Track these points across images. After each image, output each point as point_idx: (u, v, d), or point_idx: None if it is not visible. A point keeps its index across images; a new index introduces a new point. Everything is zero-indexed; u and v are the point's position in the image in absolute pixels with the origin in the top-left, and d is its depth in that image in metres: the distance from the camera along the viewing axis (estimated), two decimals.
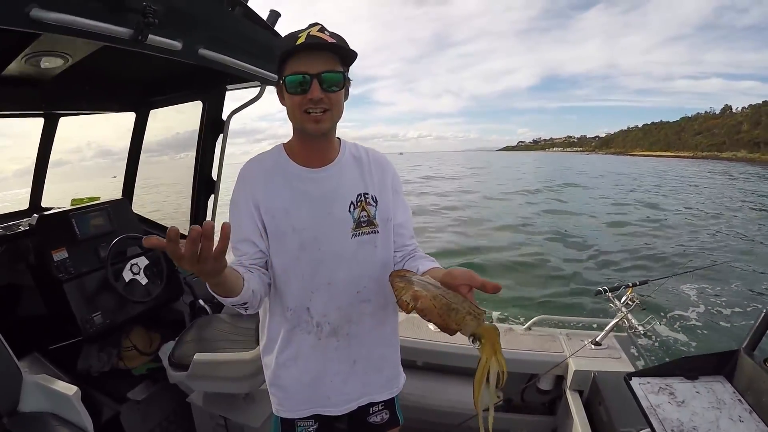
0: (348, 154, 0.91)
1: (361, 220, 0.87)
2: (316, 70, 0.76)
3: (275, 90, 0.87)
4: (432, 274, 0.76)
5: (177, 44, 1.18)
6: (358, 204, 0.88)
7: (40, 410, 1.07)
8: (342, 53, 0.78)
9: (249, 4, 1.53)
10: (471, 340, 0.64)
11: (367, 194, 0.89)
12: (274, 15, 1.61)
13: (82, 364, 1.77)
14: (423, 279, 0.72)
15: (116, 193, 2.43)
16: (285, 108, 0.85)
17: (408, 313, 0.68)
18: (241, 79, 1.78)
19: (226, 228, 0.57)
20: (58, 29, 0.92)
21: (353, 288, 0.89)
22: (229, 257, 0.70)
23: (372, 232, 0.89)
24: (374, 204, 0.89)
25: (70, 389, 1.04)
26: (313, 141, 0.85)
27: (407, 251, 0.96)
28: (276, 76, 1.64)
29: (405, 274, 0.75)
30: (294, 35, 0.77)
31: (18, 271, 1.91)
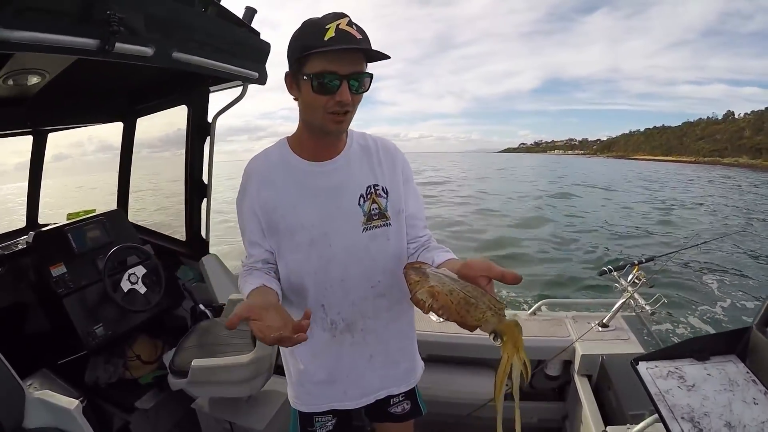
0: (355, 144, 0.87)
1: (372, 212, 0.84)
2: (346, 71, 0.70)
3: (284, 82, 0.79)
4: (448, 266, 0.72)
5: (148, 50, 1.16)
6: (368, 196, 0.84)
7: (44, 425, 1.08)
8: (371, 54, 0.72)
9: (249, 4, 1.49)
10: (492, 337, 0.61)
11: (377, 186, 0.85)
12: (250, 12, 1.57)
13: (89, 376, 1.79)
14: (439, 272, 0.68)
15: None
16: (284, 104, 0.81)
17: (426, 313, 0.64)
18: (223, 80, 1.75)
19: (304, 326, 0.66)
20: (24, 47, 0.92)
21: (367, 283, 0.86)
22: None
23: (384, 225, 0.85)
24: (385, 195, 0.86)
25: (71, 403, 1.05)
26: (325, 136, 0.81)
27: (421, 242, 0.92)
28: (256, 74, 1.62)
29: (420, 266, 0.71)
30: (320, 25, 0.68)
31: (20, 289, 1.93)
